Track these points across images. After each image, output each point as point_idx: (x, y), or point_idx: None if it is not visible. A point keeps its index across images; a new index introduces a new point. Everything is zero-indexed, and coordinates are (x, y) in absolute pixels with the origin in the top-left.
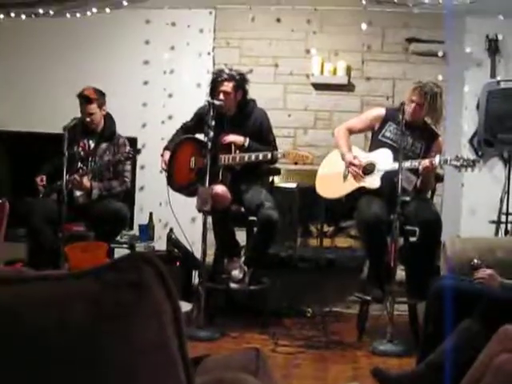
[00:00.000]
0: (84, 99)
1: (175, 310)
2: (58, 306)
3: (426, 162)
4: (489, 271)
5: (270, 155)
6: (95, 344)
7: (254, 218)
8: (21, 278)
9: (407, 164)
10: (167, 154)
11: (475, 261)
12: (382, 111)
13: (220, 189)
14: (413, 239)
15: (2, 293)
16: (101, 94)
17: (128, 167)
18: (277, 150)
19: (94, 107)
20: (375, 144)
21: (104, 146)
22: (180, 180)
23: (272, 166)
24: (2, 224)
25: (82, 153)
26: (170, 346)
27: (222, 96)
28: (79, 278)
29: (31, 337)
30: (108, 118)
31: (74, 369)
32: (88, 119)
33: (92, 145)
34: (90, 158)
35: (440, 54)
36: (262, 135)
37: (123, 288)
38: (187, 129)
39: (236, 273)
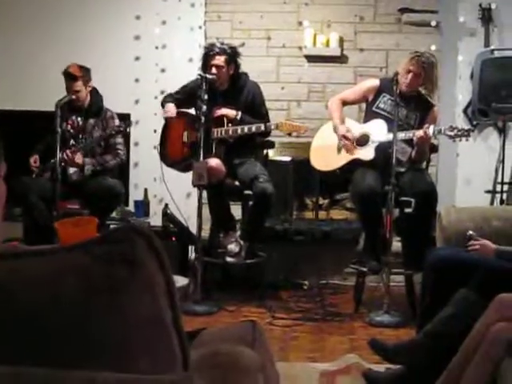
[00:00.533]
0: (69, 77)
1: (168, 282)
2: (50, 281)
3: (420, 133)
4: (482, 241)
5: (263, 127)
6: (87, 318)
7: (249, 192)
8: (13, 254)
9: (401, 135)
10: (171, 107)
11: (470, 232)
12: (376, 82)
13: (214, 162)
14: (408, 210)
15: None
16: (86, 71)
17: (120, 140)
18: (269, 120)
19: (79, 84)
20: (369, 115)
21: (92, 121)
22: (173, 155)
23: (266, 138)
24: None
25: (71, 130)
26: (164, 318)
27: (214, 70)
28: (70, 252)
29: (24, 311)
30: (94, 94)
31: (67, 343)
32: (74, 96)
33: (80, 122)
34: (80, 136)
35: (433, 23)
36: (255, 108)
37: (115, 261)
38: (177, 102)
39: (232, 247)
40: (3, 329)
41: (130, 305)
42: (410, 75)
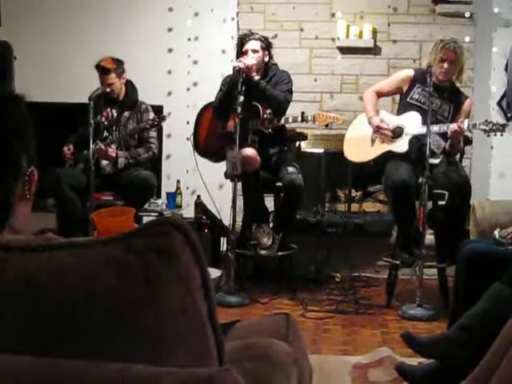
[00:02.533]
0: (101, 70)
1: (204, 276)
2: (86, 273)
3: (454, 127)
4: None
5: (300, 118)
6: (122, 310)
7: (280, 184)
8: (48, 246)
9: (435, 128)
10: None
11: (498, 229)
12: (410, 72)
13: (250, 151)
14: (442, 203)
15: (29, 261)
16: (119, 63)
17: (153, 133)
18: (288, 99)
19: (112, 77)
20: (403, 107)
21: (127, 114)
22: (208, 145)
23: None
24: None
25: (105, 122)
26: (199, 311)
27: (250, 53)
28: (107, 244)
29: (58, 304)
30: (129, 86)
31: (101, 336)
32: (108, 89)
33: (115, 114)
34: (114, 128)
35: (467, 14)
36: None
37: (151, 253)
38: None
39: (265, 239)
40: (37, 322)
41: (165, 297)
42: (445, 63)
